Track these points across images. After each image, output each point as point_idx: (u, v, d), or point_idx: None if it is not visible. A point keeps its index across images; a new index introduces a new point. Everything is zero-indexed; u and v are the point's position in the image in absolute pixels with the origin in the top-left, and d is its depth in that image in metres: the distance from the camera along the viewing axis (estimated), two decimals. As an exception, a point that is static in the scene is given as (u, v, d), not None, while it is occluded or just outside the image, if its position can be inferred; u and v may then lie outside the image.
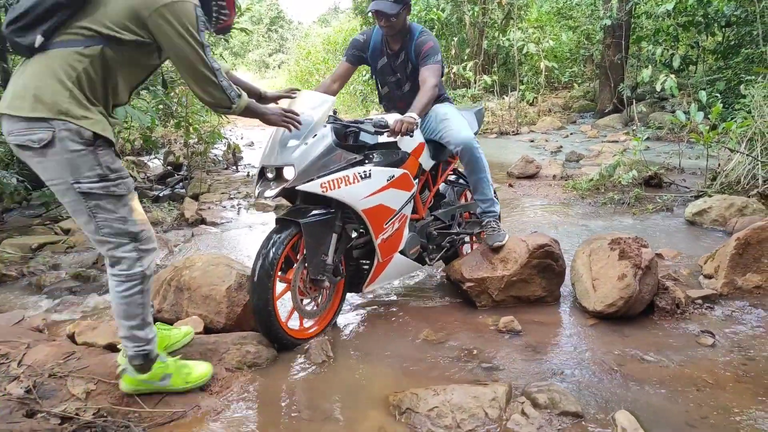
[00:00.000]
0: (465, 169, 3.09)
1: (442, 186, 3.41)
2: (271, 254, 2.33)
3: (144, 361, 1.97)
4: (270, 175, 2.43)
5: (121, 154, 4.77)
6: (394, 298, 3.18)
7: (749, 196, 4.56)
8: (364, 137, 2.71)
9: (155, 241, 1.97)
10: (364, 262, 2.86)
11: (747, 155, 4.95)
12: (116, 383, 2.08)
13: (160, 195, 6.05)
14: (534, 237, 3.09)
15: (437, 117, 3.05)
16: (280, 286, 2.45)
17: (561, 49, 13.94)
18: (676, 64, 8.47)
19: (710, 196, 4.71)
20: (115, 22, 1.72)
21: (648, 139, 6.54)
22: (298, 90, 2.68)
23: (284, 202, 3.10)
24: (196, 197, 5.88)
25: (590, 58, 13.71)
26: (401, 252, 2.88)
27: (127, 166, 5.28)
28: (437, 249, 3.21)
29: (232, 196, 6.07)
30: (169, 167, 7.36)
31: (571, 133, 10.51)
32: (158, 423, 1.91)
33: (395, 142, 2.78)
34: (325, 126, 2.51)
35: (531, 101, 12.91)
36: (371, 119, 2.63)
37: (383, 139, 2.69)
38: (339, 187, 2.45)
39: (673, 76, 7.18)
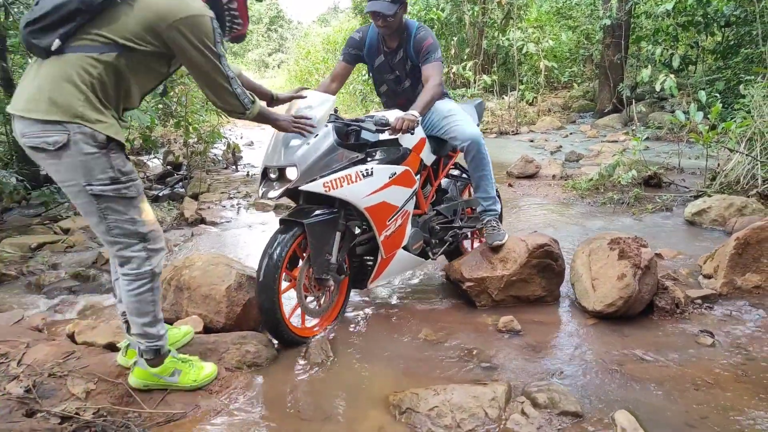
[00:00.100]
0: (469, 165, 3.09)
1: (444, 181, 3.42)
2: (276, 253, 2.35)
3: (155, 356, 2.02)
4: (273, 176, 2.45)
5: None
6: (394, 298, 3.18)
7: (748, 196, 4.56)
8: (366, 135, 2.72)
9: (164, 241, 2.01)
10: (367, 258, 2.88)
11: (746, 155, 4.95)
12: (116, 382, 2.08)
13: (160, 195, 6.05)
14: (533, 237, 3.09)
15: (440, 113, 3.04)
16: (285, 285, 2.47)
17: (560, 48, 13.93)
18: (675, 63, 8.48)
19: (710, 196, 4.71)
20: (132, 33, 1.75)
21: (647, 139, 6.54)
22: (308, 89, 2.69)
23: (284, 202, 3.11)
24: (195, 197, 5.88)
25: (590, 57, 13.70)
26: (404, 248, 2.90)
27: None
28: (440, 243, 3.22)
29: (231, 196, 6.06)
30: (168, 167, 7.36)
31: (571, 133, 10.51)
32: (158, 423, 1.91)
33: (396, 139, 2.79)
34: (327, 125, 2.52)
35: (530, 101, 12.92)
36: (372, 117, 2.63)
37: (384, 136, 2.69)
38: (341, 186, 2.47)
39: (672, 76, 7.18)
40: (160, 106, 6.27)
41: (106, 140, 1.77)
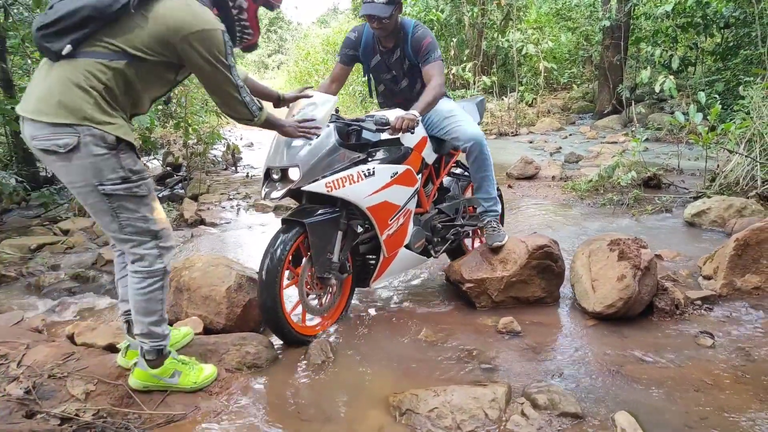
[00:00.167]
0: (471, 166, 3.09)
1: (446, 180, 3.42)
2: (278, 253, 2.37)
3: (157, 356, 2.03)
4: (276, 177, 2.46)
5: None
6: (395, 298, 3.18)
7: (748, 197, 4.57)
8: (367, 135, 2.73)
9: (174, 239, 2.03)
10: (370, 257, 2.89)
11: (746, 156, 4.96)
12: (116, 384, 2.08)
13: (159, 196, 6.04)
14: (533, 238, 3.10)
15: (441, 113, 3.03)
16: (287, 282, 2.48)
17: (560, 50, 13.95)
18: (675, 65, 8.49)
19: (709, 197, 4.71)
20: (143, 44, 1.77)
21: (647, 140, 6.53)
22: (312, 87, 2.71)
23: (284, 203, 3.11)
24: (195, 198, 5.88)
25: (589, 59, 13.71)
26: (406, 246, 2.91)
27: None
28: (442, 242, 3.22)
29: (231, 197, 6.06)
30: (168, 168, 7.36)
31: (570, 134, 10.51)
32: (158, 424, 1.91)
33: (398, 138, 2.79)
34: (328, 125, 2.53)
35: (530, 102, 12.92)
36: (373, 116, 2.64)
37: (385, 135, 2.70)
38: (343, 186, 2.48)
39: (672, 77, 7.19)
40: (160, 107, 6.27)
41: (116, 141, 1.79)
